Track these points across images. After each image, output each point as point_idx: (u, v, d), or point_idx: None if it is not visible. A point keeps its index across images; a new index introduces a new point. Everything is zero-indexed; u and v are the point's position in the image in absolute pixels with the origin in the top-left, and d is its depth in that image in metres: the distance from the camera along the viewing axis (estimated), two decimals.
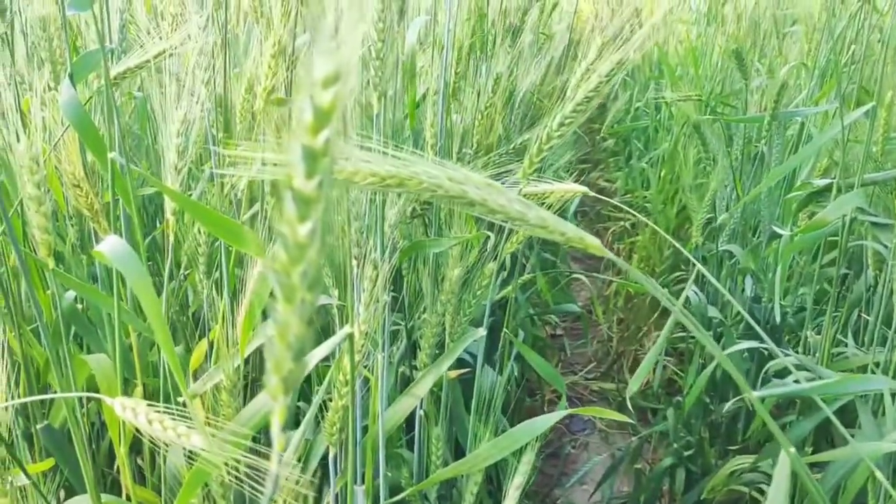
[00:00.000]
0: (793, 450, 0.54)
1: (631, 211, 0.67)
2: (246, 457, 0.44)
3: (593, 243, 0.51)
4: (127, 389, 0.77)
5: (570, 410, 0.75)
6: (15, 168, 0.52)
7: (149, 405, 0.48)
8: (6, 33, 0.63)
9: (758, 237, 1.17)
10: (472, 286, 0.75)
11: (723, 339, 1.09)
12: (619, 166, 1.96)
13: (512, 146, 0.97)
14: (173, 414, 0.47)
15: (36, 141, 0.52)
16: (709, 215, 1.14)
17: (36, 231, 0.53)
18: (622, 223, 1.72)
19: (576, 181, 0.74)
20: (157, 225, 1.10)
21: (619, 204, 0.71)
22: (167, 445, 0.48)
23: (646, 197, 1.61)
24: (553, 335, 1.60)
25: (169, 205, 0.67)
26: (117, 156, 0.53)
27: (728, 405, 0.98)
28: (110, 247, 0.47)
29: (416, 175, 0.48)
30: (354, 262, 0.66)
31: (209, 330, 0.85)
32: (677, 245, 0.65)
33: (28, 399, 0.49)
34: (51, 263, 0.55)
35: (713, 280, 0.61)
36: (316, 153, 0.28)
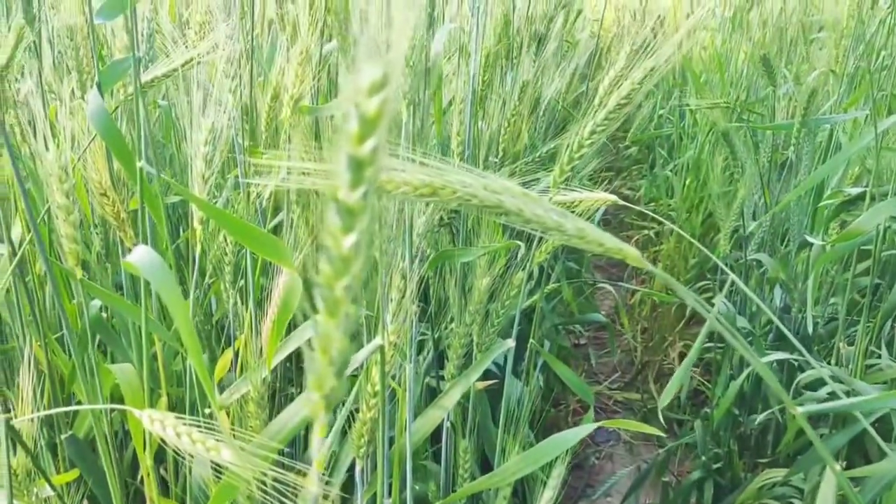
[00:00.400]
0: (839, 467, 0.52)
1: (659, 218, 0.66)
2: (276, 471, 0.43)
3: (632, 254, 0.50)
4: (151, 399, 0.76)
5: (599, 423, 0.73)
6: (43, 177, 0.52)
7: (177, 418, 0.48)
8: (34, 42, 0.63)
9: (786, 246, 1.15)
10: (501, 296, 0.74)
11: (752, 349, 1.07)
12: (643, 174, 1.94)
13: (538, 154, 0.96)
14: (200, 426, 0.47)
15: (65, 150, 0.52)
16: (736, 224, 1.12)
17: (64, 240, 0.53)
18: (645, 232, 1.70)
19: (601, 190, 0.73)
20: (180, 234, 1.10)
21: (645, 211, 0.70)
22: (192, 456, 0.47)
23: (670, 205, 1.59)
24: (576, 344, 1.59)
25: (196, 214, 0.67)
26: (146, 165, 0.52)
27: (761, 418, 0.96)
28: (140, 257, 0.46)
29: (450, 184, 0.47)
30: (383, 272, 0.65)
31: (233, 338, 0.84)
32: (709, 253, 0.63)
33: (55, 411, 0.48)
34: (79, 273, 0.54)
35: (746, 289, 0.60)
36: (361, 162, 0.27)
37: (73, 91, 0.80)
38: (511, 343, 0.70)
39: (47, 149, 0.49)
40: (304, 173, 0.40)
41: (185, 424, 0.47)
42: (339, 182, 0.27)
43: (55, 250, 0.81)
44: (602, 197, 0.72)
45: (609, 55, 1.71)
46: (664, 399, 0.76)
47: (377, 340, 0.55)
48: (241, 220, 0.59)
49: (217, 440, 0.46)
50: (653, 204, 1.69)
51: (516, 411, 0.78)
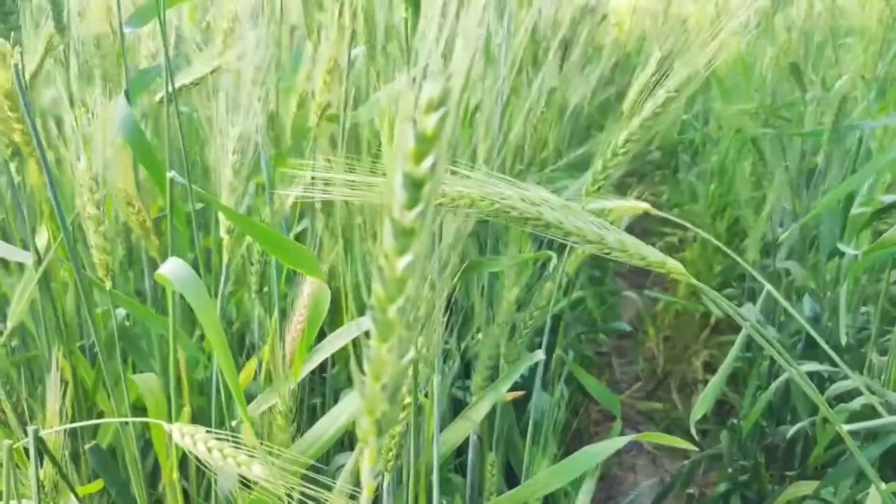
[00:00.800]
0: (884, 486, 0.51)
1: (687, 224, 0.64)
2: (307, 486, 0.42)
3: (676, 268, 0.49)
4: (172, 409, 0.76)
5: (630, 437, 0.72)
6: (74, 186, 0.51)
7: (207, 432, 0.47)
8: (63, 50, 0.63)
9: (816, 254, 1.13)
10: (530, 307, 0.73)
11: (790, 360, 1.05)
12: (665, 179, 1.92)
13: (565, 161, 0.95)
14: (229, 440, 0.46)
15: (95, 159, 0.51)
16: (763, 230, 1.11)
17: (94, 251, 0.52)
18: (668, 238, 1.68)
19: (622, 196, 0.71)
20: (200, 242, 1.09)
21: (673, 219, 0.68)
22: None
23: (694, 211, 1.58)
24: (598, 353, 1.57)
25: (223, 223, 0.66)
26: (177, 175, 0.52)
27: (792, 430, 0.94)
28: (172, 269, 0.46)
29: (488, 195, 0.46)
30: None
31: (257, 347, 0.83)
32: (742, 262, 0.62)
33: (83, 423, 0.48)
34: (108, 284, 0.54)
35: (780, 298, 0.58)
36: (418, 181, 0.26)
37: (97, 99, 0.80)
38: (541, 355, 0.69)
39: (79, 158, 0.48)
40: (330, 184, 0.39)
41: (216, 439, 0.46)
42: (393, 201, 0.26)
43: (79, 258, 0.81)
44: (633, 205, 0.70)
45: (633, 59, 1.69)
46: (696, 413, 0.74)
47: (410, 354, 0.53)
48: (270, 229, 0.58)
49: (249, 455, 0.45)
50: (676, 209, 1.67)
51: (545, 423, 0.77)
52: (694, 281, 0.49)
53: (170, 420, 0.74)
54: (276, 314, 0.74)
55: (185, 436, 0.47)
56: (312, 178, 0.40)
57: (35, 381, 0.85)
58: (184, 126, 1.06)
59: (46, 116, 0.80)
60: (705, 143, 1.64)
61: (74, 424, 0.47)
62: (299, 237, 0.88)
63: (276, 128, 0.78)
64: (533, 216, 0.45)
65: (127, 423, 0.63)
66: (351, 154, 0.80)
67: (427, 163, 0.25)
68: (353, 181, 0.40)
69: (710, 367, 1.49)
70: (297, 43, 0.93)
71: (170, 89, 0.51)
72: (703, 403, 0.73)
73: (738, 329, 1.36)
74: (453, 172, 0.44)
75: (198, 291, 0.46)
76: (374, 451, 0.29)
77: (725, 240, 1.45)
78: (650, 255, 0.46)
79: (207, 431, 0.46)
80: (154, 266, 0.86)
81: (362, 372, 0.29)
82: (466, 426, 0.71)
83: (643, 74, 0.80)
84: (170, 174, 0.52)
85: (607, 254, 0.47)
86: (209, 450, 0.46)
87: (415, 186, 0.25)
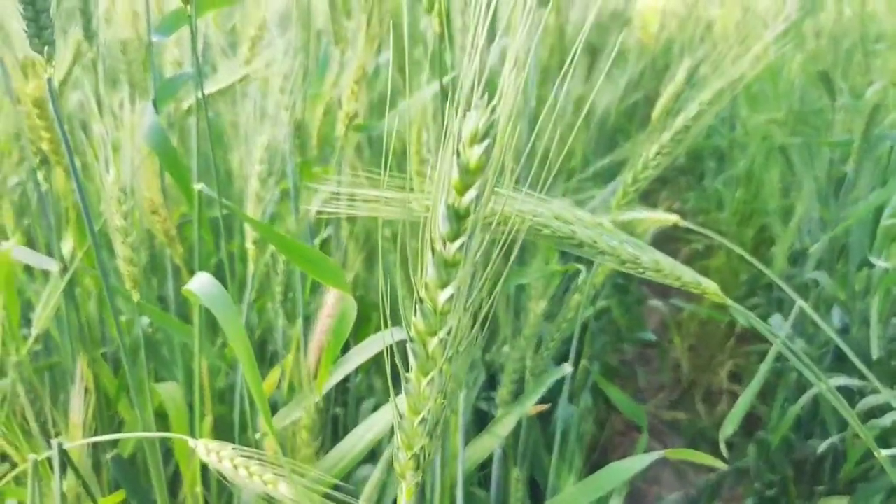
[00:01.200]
0: None
1: (710, 234, 0.63)
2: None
3: (711, 288, 0.48)
4: (194, 418, 0.75)
5: (659, 453, 0.70)
6: (103, 197, 0.51)
7: (234, 448, 0.46)
8: (91, 59, 0.63)
9: (845, 264, 1.11)
10: (557, 319, 0.72)
11: (821, 375, 1.03)
12: (690, 186, 1.89)
13: (591, 170, 0.93)
14: (253, 456, 0.45)
15: (123, 170, 0.50)
16: (792, 240, 1.09)
17: (121, 262, 0.52)
18: (693, 246, 1.66)
19: (648, 203, 0.70)
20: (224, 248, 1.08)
21: (699, 229, 0.67)
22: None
23: (719, 219, 1.55)
24: (622, 361, 1.55)
25: (249, 233, 0.66)
26: (205, 187, 0.51)
27: (823, 446, 0.92)
28: (200, 285, 0.45)
29: (521, 213, 0.45)
30: None
31: (275, 355, 0.83)
32: (770, 274, 0.60)
33: (108, 437, 0.47)
34: (136, 296, 0.53)
35: (809, 310, 0.56)
36: (461, 213, 0.25)
37: (121, 105, 0.80)
38: (569, 369, 0.67)
39: (108, 171, 0.48)
40: (356, 199, 0.38)
41: (241, 456, 0.46)
42: (435, 233, 0.25)
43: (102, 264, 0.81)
44: (663, 217, 0.69)
45: (658, 63, 1.67)
46: (725, 430, 0.73)
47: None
48: (295, 241, 0.58)
49: (276, 474, 0.45)
50: (702, 216, 1.65)
51: (571, 438, 0.76)
52: (730, 302, 0.48)
53: (192, 429, 0.74)
54: (299, 323, 0.73)
55: (211, 452, 0.47)
56: (340, 192, 0.39)
57: (57, 388, 0.85)
58: (210, 132, 1.06)
59: (73, 121, 0.80)
60: (732, 149, 1.61)
61: (99, 438, 0.47)
62: (324, 244, 0.87)
63: (301, 136, 0.78)
64: (566, 235, 0.44)
65: (156, 439, 0.63)
66: (379, 165, 0.79)
67: (471, 195, 0.24)
68: (386, 198, 0.39)
69: (736, 377, 1.47)
70: (323, 49, 0.92)
71: (199, 96, 0.51)
72: (732, 420, 0.72)
73: (764, 338, 1.33)
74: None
75: (225, 307, 0.45)
76: (412, 486, 0.28)
77: (751, 248, 1.43)
78: (685, 275, 0.45)
79: (233, 448, 0.46)
80: (177, 273, 0.86)
81: (397, 393, 0.28)
82: (491, 441, 0.70)
83: (672, 85, 0.79)
84: (198, 186, 0.51)
85: (641, 273, 0.45)
86: (235, 467, 0.46)
87: (458, 218, 0.25)
